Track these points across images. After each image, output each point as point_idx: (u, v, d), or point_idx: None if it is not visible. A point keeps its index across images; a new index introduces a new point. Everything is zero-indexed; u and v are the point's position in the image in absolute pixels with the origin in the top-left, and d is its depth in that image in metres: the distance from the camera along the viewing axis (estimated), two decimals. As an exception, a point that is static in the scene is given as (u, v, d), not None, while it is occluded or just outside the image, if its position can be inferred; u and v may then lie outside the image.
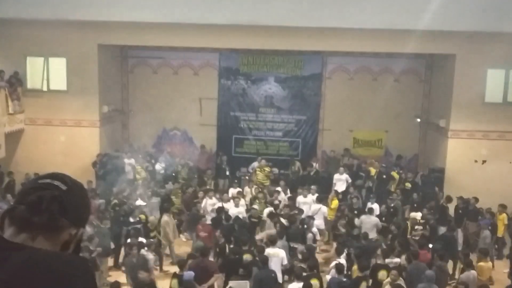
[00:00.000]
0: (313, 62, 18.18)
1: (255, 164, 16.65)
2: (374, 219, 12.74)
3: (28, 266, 1.32)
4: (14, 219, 1.45)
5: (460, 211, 13.99)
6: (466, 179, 15.29)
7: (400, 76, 18.09)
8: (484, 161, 15.67)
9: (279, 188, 14.70)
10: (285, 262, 10.14)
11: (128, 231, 11.56)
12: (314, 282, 9.00)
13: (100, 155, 16.12)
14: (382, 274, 9.44)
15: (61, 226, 1.46)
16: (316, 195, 13.99)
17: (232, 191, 14.45)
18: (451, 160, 15.80)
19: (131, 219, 12.06)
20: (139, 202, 13.28)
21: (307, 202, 13.80)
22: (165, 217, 12.30)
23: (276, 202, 13.79)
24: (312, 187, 14.47)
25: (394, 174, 15.86)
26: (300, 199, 14.05)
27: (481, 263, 10.32)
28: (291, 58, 18.14)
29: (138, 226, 11.82)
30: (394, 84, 18.03)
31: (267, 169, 16.17)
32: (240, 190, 14.66)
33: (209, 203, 13.25)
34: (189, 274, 9.17)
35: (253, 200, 14.10)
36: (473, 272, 9.85)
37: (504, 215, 13.34)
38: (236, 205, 13.10)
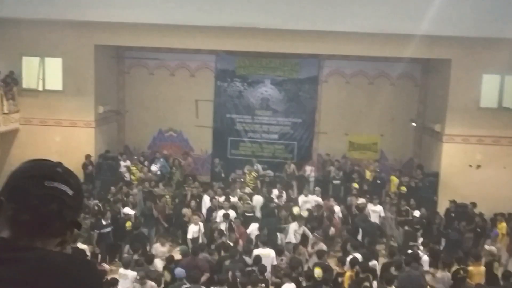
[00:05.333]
0: (310, 65, 18.18)
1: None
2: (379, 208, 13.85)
3: (43, 266, 1.34)
4: (14, 223, 1.40)
5: (453, 215, 13.99)
6: (460, 184, 15.30)
7: (396, 80, 18.10)
8: (478, 166, 15.71)
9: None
10: (275, 262, 10.14)
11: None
12: (317, 270, 9.06)
13: (89, 155, 15.90)
14: None
15: (61, 233, 1.47)
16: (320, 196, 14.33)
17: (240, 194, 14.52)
18: (446, 164, 15.83)
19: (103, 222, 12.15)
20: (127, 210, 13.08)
21: (309, 201, 14.12)
22: None
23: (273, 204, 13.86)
24: (317, 188, 14.72)
25: (393, 178, 15.97)
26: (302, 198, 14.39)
27: (471, 267, 10.18)
28: (288, 61, 18.14)
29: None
30: (390, 88, 18.06)
31: (253, 173, 16.20)
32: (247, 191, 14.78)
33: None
34: (180, 271, 9.16)
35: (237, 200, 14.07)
36: (447, 274, 9.89)
37: (503, 224, 13.03)
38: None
